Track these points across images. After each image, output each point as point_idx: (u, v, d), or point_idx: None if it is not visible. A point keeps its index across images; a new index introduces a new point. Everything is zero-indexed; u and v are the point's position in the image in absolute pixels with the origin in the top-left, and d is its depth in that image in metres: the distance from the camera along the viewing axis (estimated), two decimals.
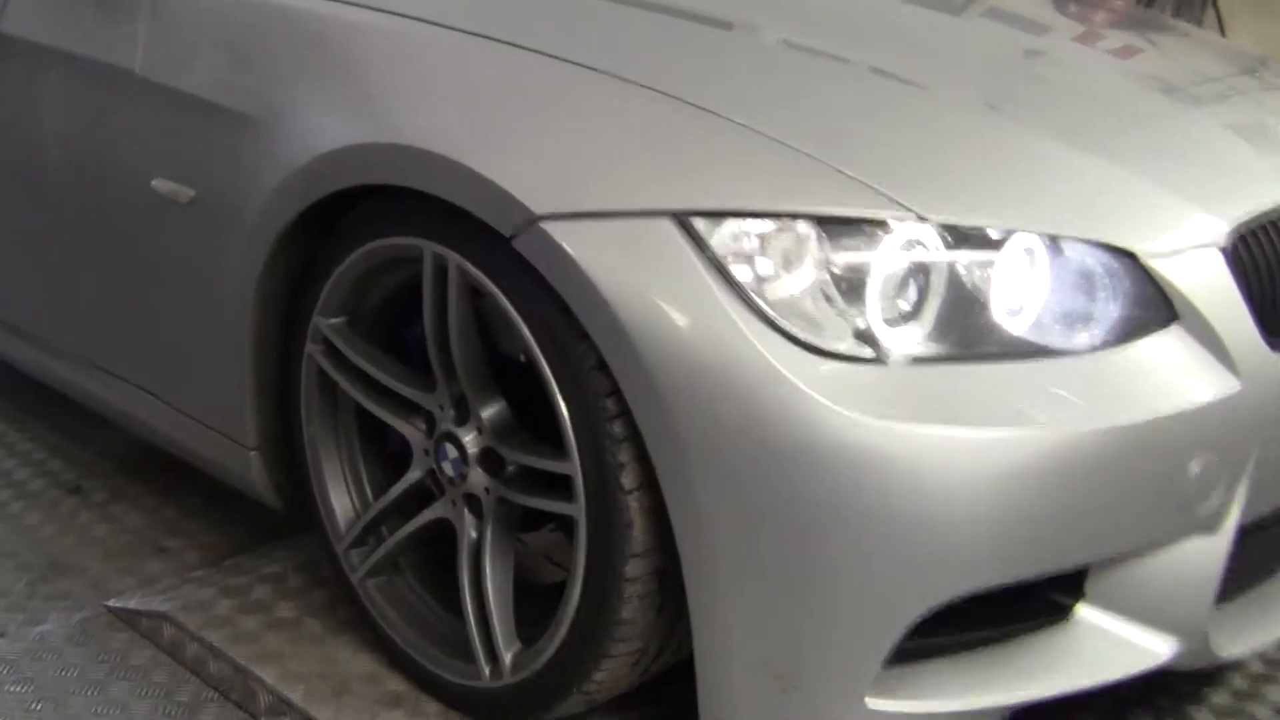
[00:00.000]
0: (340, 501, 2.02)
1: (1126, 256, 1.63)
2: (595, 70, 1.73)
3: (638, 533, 1.64)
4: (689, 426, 1.55)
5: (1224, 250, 1.68)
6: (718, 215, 1.56)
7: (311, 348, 1.94)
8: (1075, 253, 1.62)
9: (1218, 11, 4.99)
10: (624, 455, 1.62)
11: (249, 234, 1.93)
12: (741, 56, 1.99)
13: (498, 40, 1.81)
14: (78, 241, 2.31)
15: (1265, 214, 1.75)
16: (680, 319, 1.55)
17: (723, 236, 1.56)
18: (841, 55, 2.01)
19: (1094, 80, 2.19)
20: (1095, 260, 1.63)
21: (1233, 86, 2.27)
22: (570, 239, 1.60)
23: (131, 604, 2.20)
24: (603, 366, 1.61)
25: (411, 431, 1.90)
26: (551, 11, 2.02)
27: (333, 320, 1.92)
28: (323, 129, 1.84)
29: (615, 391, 1.61)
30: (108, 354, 2.34)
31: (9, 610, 2.22)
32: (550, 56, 1.77)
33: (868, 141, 1.69)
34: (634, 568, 1.66)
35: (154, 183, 2.06)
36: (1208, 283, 1.65)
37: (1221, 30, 4.97)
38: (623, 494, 1.63)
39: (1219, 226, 1.69)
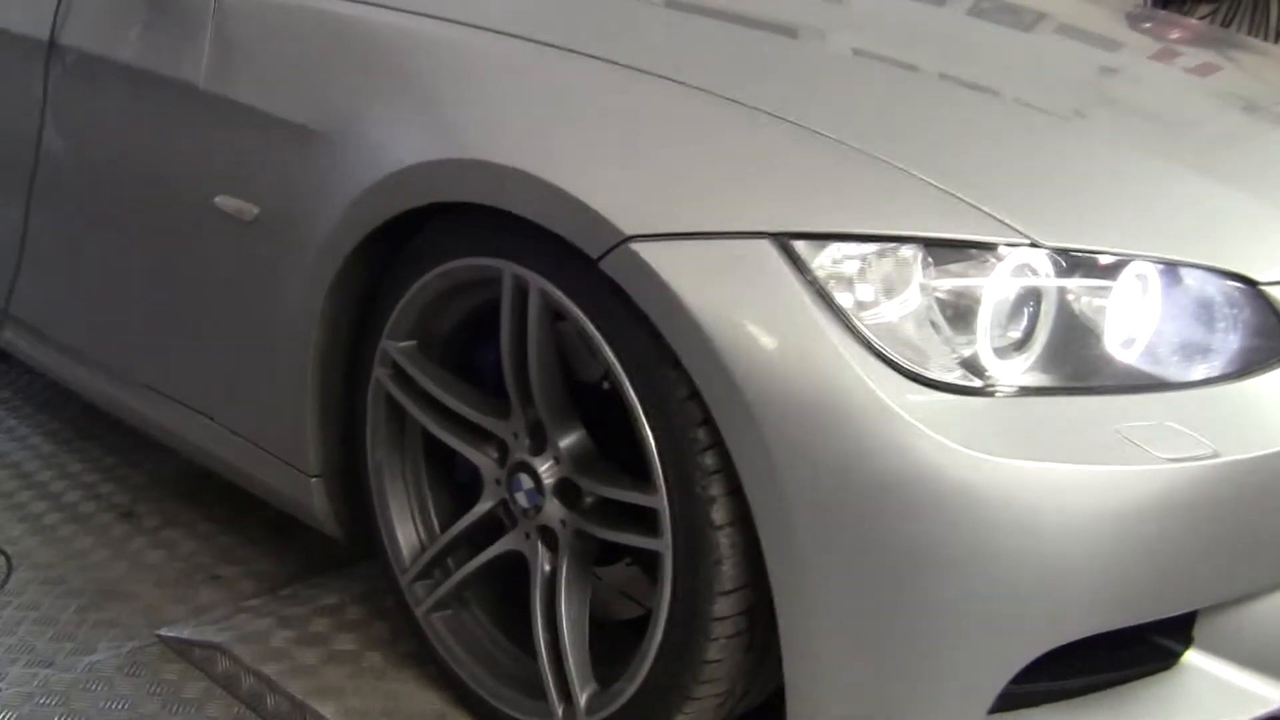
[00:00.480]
0: (405, 532, 1.95)
1: (1247, 285, 1.55)
2: (682, 84, 1.67)
3: (728, 569, 1.57)
4: (786, 457, 1.47)
5: None
6: (820, 238, 1.49)
7: (379, 372, 1.88)
8: (1193, 280, 1.55)
9: None
10: (715, 488, 1.55)
11: (315, 253, 1.86)
12: (821, 67, 1.93)
13: (581, 54, 1.75)
14: (134, 259, 2.25)
15: None
16: (778, 345, 1.47)
17: (825, 260, 1.49)
18: (921, 67, 1.95)
19: (1174, 98, 2.12)
20: (1215, 289, 1.55)
21: None
22: (662, 261, 1.52)
23: (184, 634, 2.13)
24: (694, 396, 1.53)
25: (483, 460, 1.83)
26: (630, 23, 1.96)
27: (402, 344, 1.85)
28: (398, 144, 1.77)
29: (707, 421, 1.53)
30: (163, 375, 2.28)
31: (57, 639, 2.15)
32: (636, 70, 1.70)
33: (970, 160, 1.62)
34: (723, 606, 1.58)
35: (216, 200, 2.00)
36: None
37: None
38: (713, 529, 1.55)
39: None
